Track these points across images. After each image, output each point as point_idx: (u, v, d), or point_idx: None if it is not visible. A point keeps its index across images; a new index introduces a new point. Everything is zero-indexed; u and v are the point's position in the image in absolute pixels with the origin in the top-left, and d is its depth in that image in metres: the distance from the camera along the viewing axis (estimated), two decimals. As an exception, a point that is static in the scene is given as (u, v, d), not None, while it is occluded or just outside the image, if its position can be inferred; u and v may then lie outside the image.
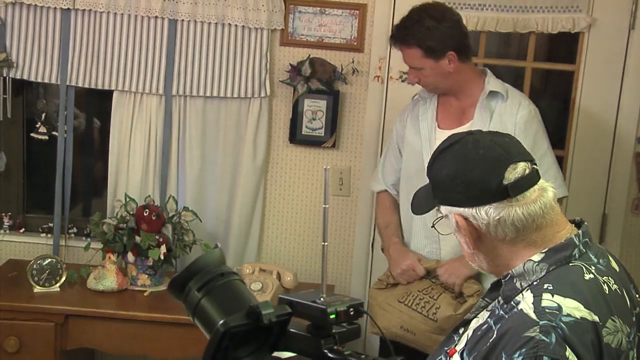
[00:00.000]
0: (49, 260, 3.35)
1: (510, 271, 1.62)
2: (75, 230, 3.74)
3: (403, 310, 2.79)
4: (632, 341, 1.60)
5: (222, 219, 3.65)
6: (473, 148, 1.61)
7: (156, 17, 3.46)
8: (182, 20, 3.47)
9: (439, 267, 2.82)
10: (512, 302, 1.58)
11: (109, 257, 3.34)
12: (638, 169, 3.52)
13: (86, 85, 3.54)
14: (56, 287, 3.33)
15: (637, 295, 1.70)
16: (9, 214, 3.75)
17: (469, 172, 1.59)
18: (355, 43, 3.53)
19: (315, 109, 3.56)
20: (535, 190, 1.60)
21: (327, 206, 1.62)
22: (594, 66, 3.46)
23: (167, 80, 3.52)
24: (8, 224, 3.73)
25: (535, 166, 1.62)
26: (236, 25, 3.48)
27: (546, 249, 1.60)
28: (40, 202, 3.92)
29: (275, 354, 1.54)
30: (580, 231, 1.64)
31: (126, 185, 3.57)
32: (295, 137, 3.60)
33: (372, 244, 3.63)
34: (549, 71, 3.72)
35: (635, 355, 1.61)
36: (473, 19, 3.37)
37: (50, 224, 3.69)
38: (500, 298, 1.64)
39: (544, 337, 1.45)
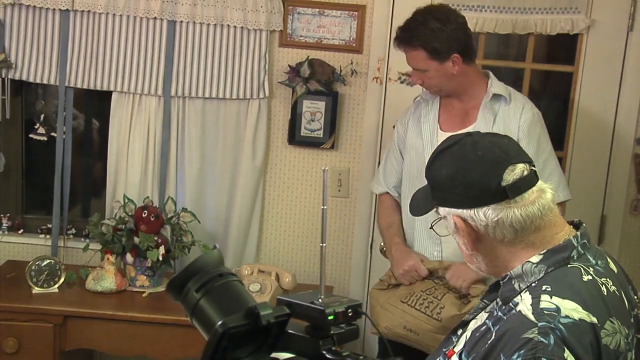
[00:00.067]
0: (48, 261, 3.35)
1: (508, 272, 1.62)
2: (74, 231, 3.74)
3: (406, 310, 2.79)
4: (630, 342, 1.60)
5: (221, 220, 3.65)
6: (472, 149, 1.61)
7: (155, 18, 3.47)
8: (181, 21, 3.47)
9: (447, 269, 2.80)
10: (511, 304, 1.58)
11: (108, 258, 3.34)
12: (637, 170, 3.52)
13: (85, 86, 3.54)
14: (55, 288, 3.33)
15: (636, 297, 1.70)
16: (8, 214, 3.75)
17: (468, 173, 1.59)
18: (354, 44, 3.53)
19: (314, 110, 3.57)
20: (534, 192, 1.60)
21: (325, 207, 1.62)
22: (593, 67, 3.46)
23: (166, 82, 3.52)
24: (7, 224, 3.73)
25: (533, 167, 1.62)
26: (235, 27, 3.48)
27: (545, 251, 1.60)
28: (39, 203, 3.91)
29: (274, 354, 1.54)
30: (578, 232, 1.64)
31: (125, 186, 3.56)
32: (294, 138, 3.60)
33: (371, 245, 3.63)
34: (548, 72, 3.72)
35: (633, 357, 1.61)
36: (472, 20, 3.37)
37: (49, 225, 3.69)
38: (498, 299, 1.64)
39: (542, 339, 1.45)
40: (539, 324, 1.47)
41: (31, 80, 3.54)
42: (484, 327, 1.60)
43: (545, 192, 1.62)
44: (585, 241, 1.64)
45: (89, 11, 3.46)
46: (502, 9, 3.43)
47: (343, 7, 3.51)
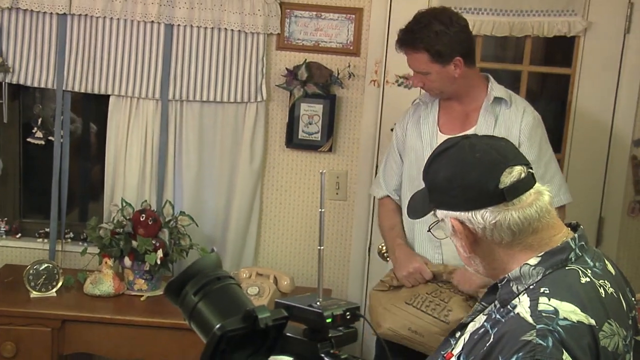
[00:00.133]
0: (46, 265, 3.35)
1: (506, 275, 1.62)
2: (71, 235, 3.74)
3: (411, 312, 2.77)
4: (628, 344, 1.60)
5: (219, 223, 3.65)
6: (469, 152, 1.62)
7: (152, 22, 3.47)
8: (179, 25, 3.47)
9: (451, 273, 2.79)
10: (509, 306, 1.58)
11: (106, 262, 3.34)
12: (634, 172, 3.52)
13: (82, 90, 3.54)
14: (53, 292, 3.33)
15: (633, 299, 1.70)
16: (5, 219, 3.75)
17: (465, 176, 1.59)
18: (351, 47, 3.53)
19: (311, 113, 3.57)
20: (532, 194, 1.60)
21: (323, 210, 1.62)
22: (590, 69, 3.47)
23: (163, 85, 3.52)
24: (4, 229, 3.73)
25: (531, 170, 1.62)
26: (232, 30, 3.48)
27: (542, 253, 1.60)
28: (36, 207, 3.91)
29: (272, 358, 1.53)
30: (576, 235, 1.64)
31: (123, 189, 3.56)
32: (292, 141, 3.60)
33: (369, 248, 3.63)
34: (545, 74, 3.72)
35: (631, 358, 1.62)
36: (469, 22, 3.36)
37: (47, 229, 3.69)
38: (496, 302, 1.64)
39: (540, 341, 1.45)
40: (538, 326, 1.47)
41: (29, 84, 3.54)
42: (482, 330, 1.60)
43: (543, 195, 1.62)
44: (583, 243, 1.64)
45: (86, 15, 3.46)
46: (499, 12, 3.44)
47: (340, 10, 3.51)
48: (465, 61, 2.74)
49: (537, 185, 1.62)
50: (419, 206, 1.75)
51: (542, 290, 1.55)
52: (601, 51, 3.44)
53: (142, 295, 3.36)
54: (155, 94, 3.52)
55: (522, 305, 1.54)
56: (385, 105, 3.53)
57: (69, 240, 3.72)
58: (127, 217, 3.40)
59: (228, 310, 1.45)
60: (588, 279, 1.58)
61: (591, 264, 1.62)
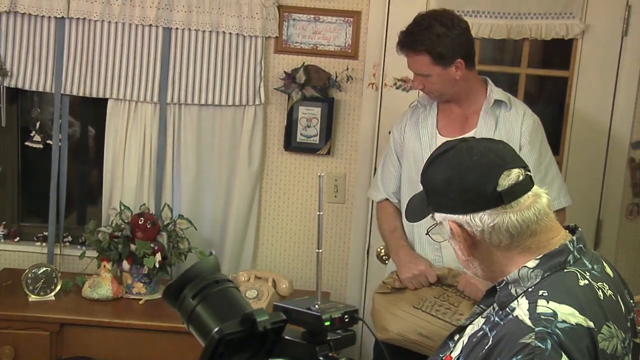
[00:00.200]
0: (44, 269, 3.34)
1: (505, 277, 1.62)
2: (70, 238, 3.73)
3: (420, 316, 2.74)
4: (627, 347, 1.60)
5: (217, 227, 3.65)
6: (467, 154, 1.62)
7: (150, 25, 3.47)
8: (177, 28, 3.47)
9: (455, 277, 2.78)
10: (507, 309, 1.58)
11: (104, 266, 3.34)
12: (632, 174, 3.53)
13: (81, 94, 3.54)
14: (51, 296, 3.33)
15: (632, 301, 1.70)
16: (4, 222, 3.74)
17: (463, 179, 1.59)
18: (349, 50, 3.53)
19: (309, 116, 3.57)
20: (530, 197, 1.60)
21: (321, 213, 1.62)
22: (587, 72, 3.47)
23: (161, 88, 3.52)
24: (3, 232, 3.72)
25: (529, 172, 1.62)
26: (230, 33, 3.48)
27: (541, 255, 1.60)
28: (35, 211, 3.91)
29: (270, 361, 1.54)
30: (574, 237, 1.64)
31: (121, 193, 3.56)
32: (290, 144, 3.60)
33: (368, 251, 3.63)
34: (543, 77, 3.73)
35: (630, 361, 1.62)
36: (467, 25, 3.38)
37: (45, 233, 3.68)
38: (495, 304, 1.64)
39: (539, 344, 1.45)
40: (536, 329, 1.47)
41: (27, 87, 3.54)
42: (480, 333, 1.60)
43: (541, 197, 1.62)
44: (582, 246, 1.64)
45: (84, 19, 3.46)
46: (497, 15, 3.44)
47: (338, 13, 3.51)
48: (466, 63, 2.74)
49: (535, 187, 1.62)
50: (417, 209, 1.75)
51: (540, 292, 1.55)
52: (599, 54, 3.45)
53: (140, 299, 3.36)
54: (154, 97, 3.52)
55: (521, 308, 1.54)
56: (383, 108, 3.53)
57: (68, 243, 3.72)
58: (126, 221, 3.39)
59: (226, 313, 1.45)
60: (586, 282, 1.58)
61: (589, 266, 1.62)
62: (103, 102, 3.57)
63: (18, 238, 3.74)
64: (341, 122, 3.60)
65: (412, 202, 1.80)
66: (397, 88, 3.51)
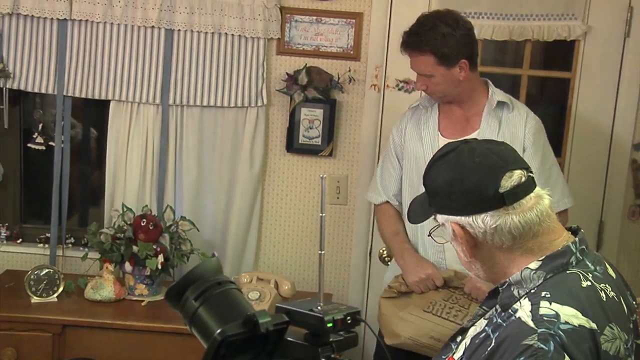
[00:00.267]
0: (47, 270, 3.35)
1: (507, 279, 1.62)
2: (72, 240, 3.74)
3: (431, 319, 2.72)
4: (629, 348, 1.60)
5: (220, 228, 3.65)
6: (469, 156, 1.61)
7: (153, 27, 3.47)
8: (179, 30, 3.48)
9: (461, 280, 2.77)
10: (510, 310, 1.58)
11: (107, 267, 3.34)
12: (634, 176, 3.52)
13: (83, 95, 3.54)
14: (54, 298, 3.33)
15: (634, 302, 1.70)
16: (6, 224, 3.74)
17: (465, 180, 1.59)
18: (351, 52, 3.53)
19: (312, 117, 3.57)
20: (532, 198, 1.60)
21: (323, 215, 1.62)
22: (589, 73, 3.47)
23: (163, 90, 3.52)
24: (5, 234, 3.72)
25: (531, 174, 1.62)
26: (233, 35, 3.48)
27: (543, 257, 1.60)
28: (37, 212, 3.91)
29: (273, 362, 1.54)
30: (576, 238, 1.64)
31: (123, 194, 3.56)
32: (292, 146, 3.60)
33: (370, 252, 3.63)
34: (545, 78, 3.72)
35: (632, 362, 1.62)
36: (469, 27, 3.38)
37: (48, 234, 3.69)
38: (497, 306, 1.64)
39: (542, 345, 1.45)
40: (539, 331, 1.47)
41: (29, 89, 3.54)
42: (483, 334, 1.60)
43: (543, 198, 1.61)
44: (584, 247, 1.64)
45: (86, 20, 3.46)
46: (499, 16, 3.44)
47: (340, 15, 3.51)
48: (470, 64, 2.74)
49: (537, 189, 1.62)
50: (420, 210, 1.75)
51: (543, 294, 1.54)
52: (601, 55, 3.45)
53: (142, 301, 3.36)
54: (156, 99, 3.52)
55: (523, 310, 1.53)
56: (385, 109, 3.53)
57: (70, 245, 3.72)
58: (128, 222, 3.40)
59: (229, 315, 1.45)
60: (589, 283, 1.58)
61: (592, 267, 1.62)
62: (105, 103, 3.57)
63: (20, 240, 3.74)
64: (343, 124, 3.60)
65: (414, 204, 1.80)
66: (399, 89, 3.51)
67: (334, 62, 3.55)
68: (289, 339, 1.55)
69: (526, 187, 1.59)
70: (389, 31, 3.46)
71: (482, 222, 1.58)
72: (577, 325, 1.49)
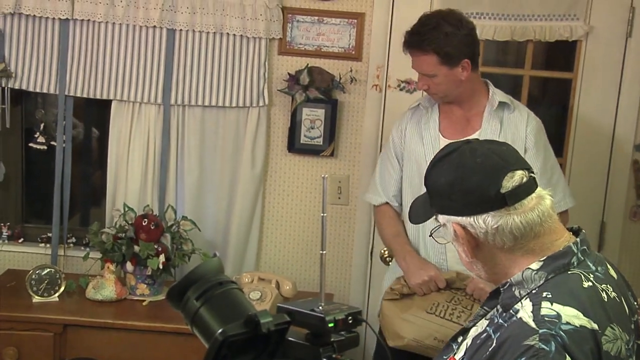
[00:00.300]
0: (48, 270, 3.35)
1: (508, 279, 1.62)
2: (74, 240, 3.74)
3: (435, 321, 2.72)
4: (631, 349, 1.60)
5: (221, 228, 3.65)
6: (470, 156, 1.61)
7: (154, 27, 3.47)
8: (181, 30, 3.48)
9: (463, 281, 2.77)
10: (511, 311, 1.58)
11: (108, 267, 3.34)
12: (636, 176, 3.52)
13: (85, 95, 3.54)
14: (55, 297, 3.33)
15: (636, 303, 1.70)
16: (8, 224, 3.75)
17: (467, 181, 1.59)
18: (353, 52, 3.53)
19: (313, 117, 3.57)
20: (533, 199, 1.60)
21: (325, 215, 1.62)
22: (591, 74, 3.47)
23: (165, 90, 3.52)
24: (7, 234, 3.73)
25: (532, 174, 1.62)
26: (234, 35, 3.48)
27: (544, 257, 1.60)
28: (38, 212, 3.92)
29: (274, 362, 1.54)
30: (578, 239, 1.64)
31: (125, 194, 3.56)
32: (294, 146, 3.60)
33: (371, 252, 3.63)
34: (547, 79, 3.72)
35: (634, 363, 1.62)
36: (470, 27, 3.38)
37: (49, 234, 3.69)
38: (499, 306, 1.64)
39: (543, 346, 1.45)
40: (540, 331, 1.47)
41: (31, 89, 3.54)
42: (484, 335, 1.60)
43: (544, 199, 1.61)
44: (585, 247, 1.64)
45: (88, 20, 3.46)
46: (501, 16, 3.44)
47: (342, 15, 3.51)
48: (472, 64, 2.74)
49: (538, 189, 1.62)
50: (421, 211, 1.75)
51: (544, 294, 1.54)
52: (603, 55, 3.44)
53: (144, 300, 3.36)
54: (157, 98, 3.52)
55: (525, 310, 1.53)
56: (387, 109, 3.53)
57: (71, 245, 3.72)
58: (129, 222, 3.40)
59: (230, 315, 1.45)
60: (590, 284, 1.58)
61: (593, 268, 1.62)
62: (107, 103, 3.57)
63: (22, 239, 3.75)
64: (345, 124, 3.60)
65: (416, 204, 1.80)
66: (400, 90, 3.51)
67: (336, 62, 3.55)
68: (290, 339, 1.55)
69: (528, 187, 1.59)
70: (391, 31, 3.46)
71: (483, 222, 1.58)
72: (578, 325, 1.49)
